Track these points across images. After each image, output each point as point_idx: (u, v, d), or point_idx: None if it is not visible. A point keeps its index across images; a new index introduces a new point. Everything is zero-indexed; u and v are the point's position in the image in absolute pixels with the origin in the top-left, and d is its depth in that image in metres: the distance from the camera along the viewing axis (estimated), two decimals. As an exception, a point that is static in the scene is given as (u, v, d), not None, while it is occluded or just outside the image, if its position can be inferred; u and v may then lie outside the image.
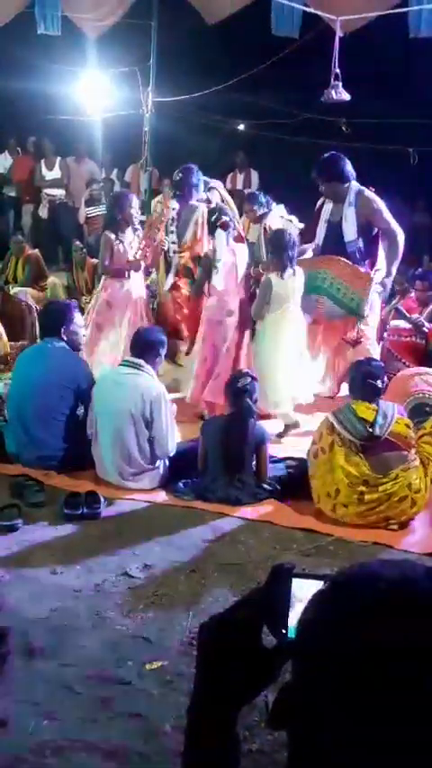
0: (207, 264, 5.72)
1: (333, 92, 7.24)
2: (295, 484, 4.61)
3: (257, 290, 5.65)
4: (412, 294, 6.98)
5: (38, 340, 5.90)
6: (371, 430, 4.28)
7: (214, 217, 5.78)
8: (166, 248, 6.35)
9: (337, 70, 7.17)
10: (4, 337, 6.82)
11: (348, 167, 5.73)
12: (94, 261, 8.45)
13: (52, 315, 5.27)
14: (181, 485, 4.67)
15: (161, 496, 4.68)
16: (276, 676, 0.99)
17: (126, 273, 6.15)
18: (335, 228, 5.69)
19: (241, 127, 13.61)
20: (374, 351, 5.83)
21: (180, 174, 6.37)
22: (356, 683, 0.75)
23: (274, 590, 1.00)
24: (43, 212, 11.87)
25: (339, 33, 7.27)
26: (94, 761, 2.55)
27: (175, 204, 6.35)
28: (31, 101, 11.38)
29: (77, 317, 5.30)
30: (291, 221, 6.73)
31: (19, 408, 4.98)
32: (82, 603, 3.47)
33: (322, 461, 4.40)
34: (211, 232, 5.81)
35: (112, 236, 6.06)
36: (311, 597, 0.86)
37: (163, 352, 5.02)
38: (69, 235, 10.96)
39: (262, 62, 9.74)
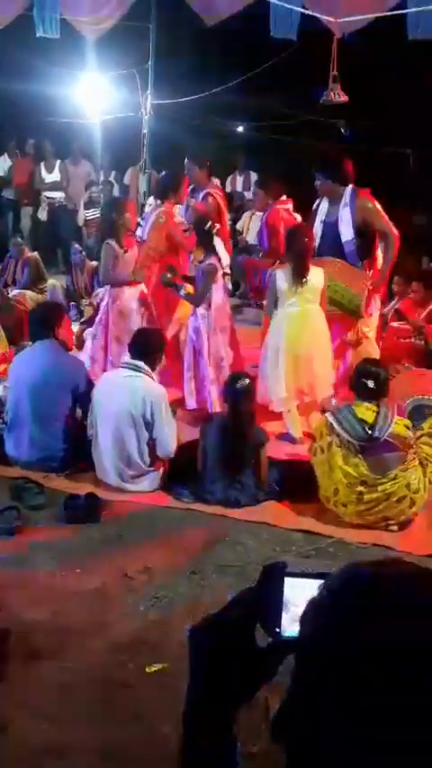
0: (210, 276, 5.69)
1: (332, 93, 7.25)
2: (294, 485, 4.61)
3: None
4: (411, 295, 6.99)
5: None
6: (370, 432, 4.28)
7: (207, 225, 5.78)
8: None
9: (336, 72, 7.17)
10: (4, 339, 6.82)
11: (349, 169, 5.74)
12: (94, 263, 8.44)
13: (44, 316, 5.27)
14: (180, 487, 4.67)
15: (161, 498, 4.68)
16: (271, 675, 0.99)
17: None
18: (331, 229, 5.69)
19: (240, 129, 13.63)
20: (374, 351, 5.83)
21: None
22: (355, 684, 0.75)
23: (267, 589, 1.00)
24: (42, 215, 11.87)
25: (338, 35, 7.28)
26: (95, 763, 2.55)
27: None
28: (31, 103, 11.38)
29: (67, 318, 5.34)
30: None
31: (17, 411, 4.99)
32: (82, 606, 3.47)
33: (321, 461, 4.40)
34: (208, 243, 5.78)
35: (116, 245, 5.97)
36: (309, 601, 0.86)
37: (162, 353, 5.03)
38: (68, 237, 10.95)
39: (261, 64, 9.74)
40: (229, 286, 5.81)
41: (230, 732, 1.00)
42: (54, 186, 11.78)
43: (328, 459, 4.36)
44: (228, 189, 11.90)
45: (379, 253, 5.77)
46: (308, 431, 5.22)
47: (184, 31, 10.28)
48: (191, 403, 5.67)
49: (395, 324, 6.90)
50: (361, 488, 4.26)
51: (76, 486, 4.72)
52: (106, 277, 6.08)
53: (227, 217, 7.28)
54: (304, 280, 5.30)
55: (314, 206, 6.02)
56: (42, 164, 11.79)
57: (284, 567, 1.01)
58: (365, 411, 4.34)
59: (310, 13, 7.74)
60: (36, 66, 10.35)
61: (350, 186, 5.67)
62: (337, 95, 7.24)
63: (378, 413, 4.32)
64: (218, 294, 5.75)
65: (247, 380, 4.71)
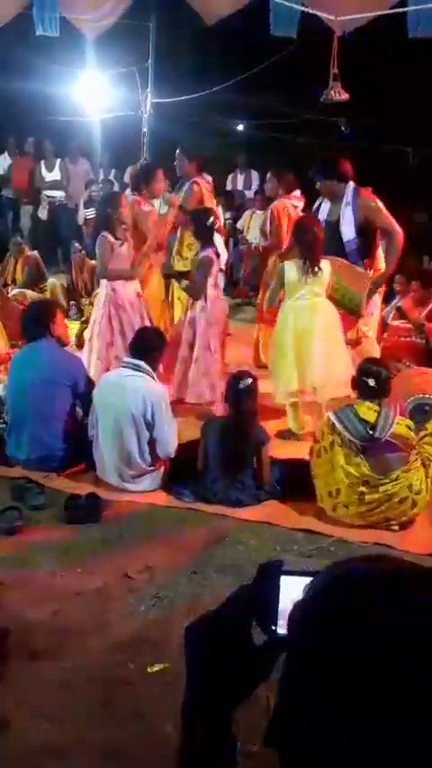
0: (206, 267, 5.69)
1: (332, 92, 7.24)
2: (296, 485, 4.61)
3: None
4: (411, 294, 6.99)
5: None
6: (371, 432, 4.27)
7: (209, 221, 5.77)
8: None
9: (336, 70, 7.16)
10: (5, 338, 6.82)
11: (347, 167, 5.74)
12: (93, 262, 8.43)
13: (38, 315, 5.25)
14: (181, 486, 4.67)
15: (162, 498, 4.67)
16: (269, 672, 0.99)
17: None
18: (333, 228, 5.69)
19: (240, 127, 13.62)
20: (375, 351, 5.82)
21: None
22: (349, 684, 0.75)
23: (263, 587, 1.00)
24: (42, 214, 11.87)
25: (338, 33, 7.27)
26: (95, 762, 2.55)
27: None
28: (31, 102, 11.38)
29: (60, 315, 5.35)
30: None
31: (17, 410, 4.98)
32: (83, 605, 3.46)
33: (324, 460, 4.40)
34: (207, 237, 5.78)
35: (111, 238, 5.94)
36: (298, 599, 0.86)
37: (163, 353, 5.02)
38: (68, 236, 10.95)
39: (261, 62, 9.73)
40: (222, 284, 5.80)
41: (229, 730, 1.00)
42: (54, 185, 11.78)
43: (330, 459, 4.35)
44: (228, 187, 11.90)
45: (379, 252, 5.77)
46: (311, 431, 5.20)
47: (184, 29, 10.26)
48: (174, 393, 5.63)
49: (396, 322, 6.90)
50: (363, 489, 4.26)
51: (76, 486, 4.71)
52: (102, 271, 6.00)
53: (219, 211, 7.26)
54: (317, 269, 5.27)
55: (315, 206, 6.02)
56: (42, 162, 11.80)
57: (280, 565, 1.01)
58: (367, 411, 4.34)
59: (311, 11, 7.72)
60: (36, 65, 10.35)
61: (351, 185, 5.67)
62: (338, 94, 7.23)
63: (380, 413, 4.31)
64: (210, 289, 5.73)
65: (250, 380, 4.71)
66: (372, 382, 4.43)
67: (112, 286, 5.89)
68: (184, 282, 5.93)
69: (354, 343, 5.75)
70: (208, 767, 0.99)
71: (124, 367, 4.86)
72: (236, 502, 4.51)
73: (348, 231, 5.62)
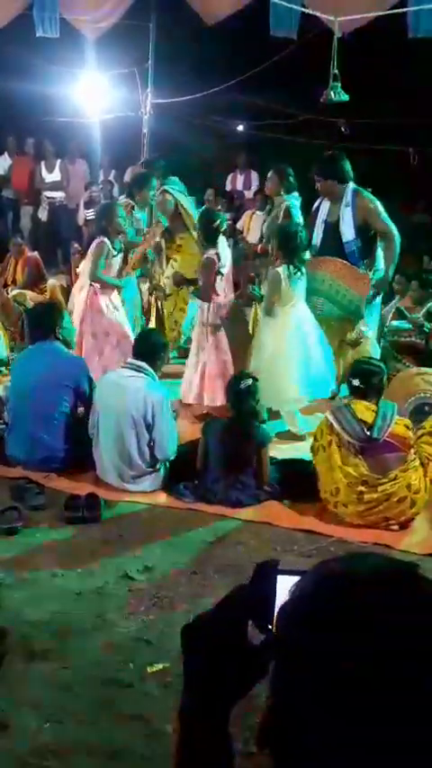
0: (209, 269, 5.69)
1: (332, 92, 7.24)
2: (296, 485, 4.61)
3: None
4: (411, 294, 6.99)
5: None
6: (369, 432, 4.27)
7: (216, 223, 5.77)
8: None
9: (336, 71, 7.16)
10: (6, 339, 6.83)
11: (347, 167, 5.74)
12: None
13: (45, 316, 5.26)
14: (182, 487, 4.67)
15: (162, 498, 4.67)
16: (266, 672, 0.99)
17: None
18: (332, 228, 5.69)
19: (240, 128, 13.62)
20: (374, 351, 5.82)
21: None
22: (338, 683, 0.74)
23: (260, 587, 1.00)
24: (42, 214, 11.87)
25: (338, 34, 7.26)
26: (95, 763, 2.55)
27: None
28: (31, 102, 11.38)
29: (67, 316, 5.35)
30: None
31: (19, 410, 4.98)
32: (83, 606, 3.46)
33: (322, 459, 4.40)
34: (211, 238, 5.77)
35: (109, 245, 5.96)
36: (282, 603, 0.86)
37: (165, 354, 5.03)
38: (68, 237, 10.95)
39: (261, 63, 9.73)
40: (222, 286, 5.80)
41: (226, 730, 1.00)
42: (54, 186, 11.78)
43: (328, 458, 4.35)
44: (228, 188, 11.90)
45: (379, 252, 5.77)
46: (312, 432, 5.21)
47: (184, 29, 10.26)
48: (189, 398, 5.69)
49: (395, 322, 6.89)
50: (361, 488, 4.26)
51: (76, 486, 4.71)
52: (94, 274, 6.00)
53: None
54: (299, 274, 5.33)
55: (315, 206, 6.02)
56: (43, 163, 11.80)
57: (276, 564, 1.01)
58: (365, 411, 4.33)
59: (311, 11, 7.73)
60: (36, 66, 10.36)
61: (351, 186, 5.67)
62: (338, 94, 7.23)
63: (377, 413, 4.31)
64: (217, 289, 5.75)
65: (251, 380, 4.71)
66: (356, 382, 4.44)
67: (93, 290, 5.95)
68: (192, 288, 5.97)
69: (353, 344, 5.76)
70: (205, 767, 0.99)
71: (125, 368, 4.86)
72: (236, 502, 4.51)
73: (348, 232, 5.63)
